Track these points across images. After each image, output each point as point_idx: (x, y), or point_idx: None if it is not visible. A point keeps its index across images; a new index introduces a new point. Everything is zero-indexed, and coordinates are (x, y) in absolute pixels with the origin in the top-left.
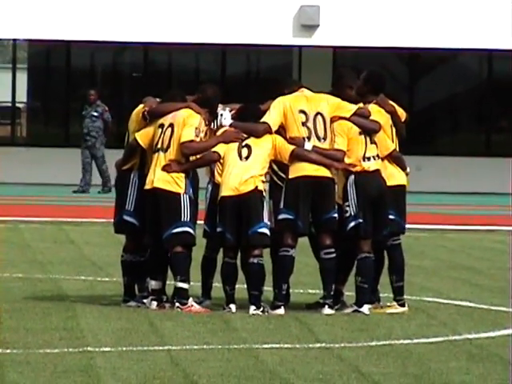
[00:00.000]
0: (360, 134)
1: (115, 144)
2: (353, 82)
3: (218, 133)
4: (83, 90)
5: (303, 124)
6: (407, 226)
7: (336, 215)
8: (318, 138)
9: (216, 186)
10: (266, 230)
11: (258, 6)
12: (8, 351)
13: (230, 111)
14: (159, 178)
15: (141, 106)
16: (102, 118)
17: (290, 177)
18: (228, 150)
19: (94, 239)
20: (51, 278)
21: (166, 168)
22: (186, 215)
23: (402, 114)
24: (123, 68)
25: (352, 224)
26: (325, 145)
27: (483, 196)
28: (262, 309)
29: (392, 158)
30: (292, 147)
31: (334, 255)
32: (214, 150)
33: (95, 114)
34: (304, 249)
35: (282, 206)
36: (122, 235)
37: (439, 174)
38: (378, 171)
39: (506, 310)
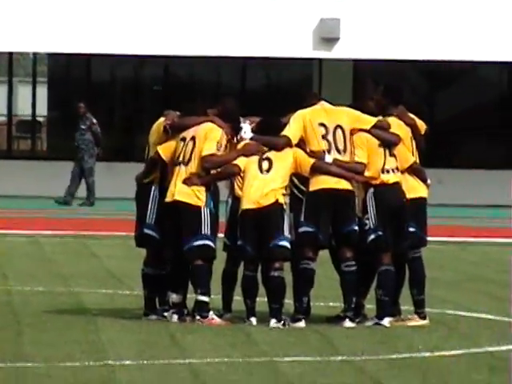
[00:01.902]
0: (379, 146)
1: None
2: (374, 94)
3: (239, 146)
4: (104, 103)
5: (323, 137)
6: (428, 238)
7: (356, 228)
8: (338, 151)
9: (236, 200)
10: (286, 243)
11: (278, 18)
12: (29, 364)
13: (250, 124)
14: (180, 191)
15: (161, 119)
16: (91, 131)
17: (310, 189)
18: (248, 164)
19: (114, 252)
20: (72, 291)
21: (187, 181)
22: (206, 228)
23: (421, 126)
24: (144, 81)
25: (372, 237)
26: (345, 157)
27: (504, 209)
28: (282, 322)
29: (412, 170)
30: (312, 160)
31: (354, 268)
32: (234, 163)
33: (83, 126)
34: (324, 262)
35: (302, 218)
36: (143, 249)
37: (460, 187)
38: (397, 184)
39: None
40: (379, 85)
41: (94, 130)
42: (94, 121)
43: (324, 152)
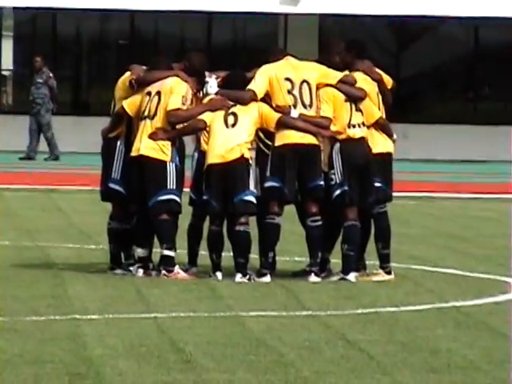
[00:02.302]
0: (345, 101)
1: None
2: (340, 50)
3: (205, 101)
4: (69, 57)
5: (289, 92)
6: (394, 193)
7: (322, 183)
8: (304, 106)
9: (202, 154)
10: (252, 198)
11: None
12: None
13: (216, 79)
14: (145, 146)
15: (127, 73)
16: (47, 85)
17: (276, 144)
18: (214, 118)
19: (80, 207)
20: (38, 245)
21: (153, 136)
22: (172, 183)
23: (388, 81)
24: (109, 35)
25: (338, 192)
26: (311, 112)
27: (470, 164)
28: (248, 276)
29: (378, 125)
30: (278, 115)
31: (320, 223)
32: (200, 117)
33: (40, 80)
34: (290, 216)
35: (268, 173)
36: (108, 203)
37: (426, 142)
38: (363, 139)
39: (493, 278)
40: (343, 41)
41: (51, 84)
42: (51, 75)
43: (290, 107)
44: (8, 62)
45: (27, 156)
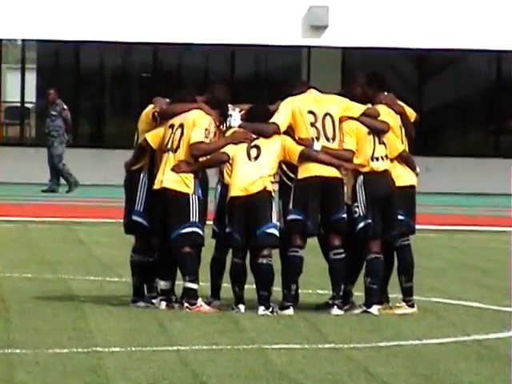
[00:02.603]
0: (369, 134)
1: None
2: (362, 83)
3: (228, 133)
4: (92, 90)
5: (312, 125)
6: (417, 226)
7: (345, 216)
8: (327, 139)
9: (225, 187)
10: (274, 231)
11: (266, 6)
12: (17, 351)
13: (240, 112)
14: (168, 179)
15: (150, 106)
16: (62, 117)
17: (299, 177)
18: (237, 151)
19: (103, 239)
20: (60, 277)
21: (176, 168)
22: (194, 216)
23: (411, 114)
24: (132, 68)
25: (361, 224)
26: (334, 145)
27: (492, 197)
28: (271, 309)
29: (401, 158)
30: (301, 148)
31: (343, 256)
32: (223, 150)
33: (54, 113)
34: (313, 249)
35: (291, 206)
36: (131, 235)
37: (449, 175)
38: (386, 171)
39: None
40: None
41: (65, 115)
42: (65, 107)
43: (313, 139)
44: (31, 95)
45: (50, 189)
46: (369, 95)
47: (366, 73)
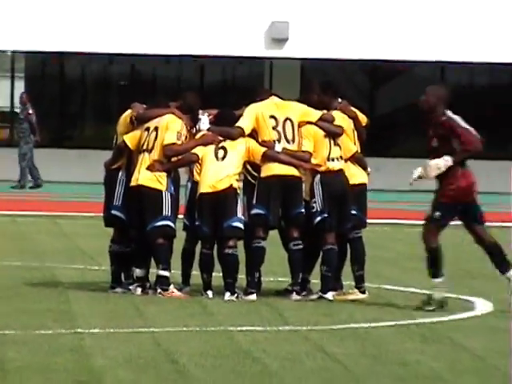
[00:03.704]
0: (325, 137)
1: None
2: (317, 91)
3: (197, 136)
4: (75, 97)
5: (273, 128)
6: (368, 220)
7: (303, 210)
8: (287, 141)
9: (195, 184)
10: (239, 224)
11: (233, 21)
12: (7, 332)
13: (208, 116)
14: (144, 177)
15: (128, 111)
16: (28, 120)
17: (261, 176)
18: (206, 152)
19: (84, 231)
20: (46, 266)
21: (150, 167)
22: (167, 210)
23: (363, 119)
24: (112, 77)
25: (318, 218)
26: (293, 147)
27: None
28: (236, 295)
29: (354, 159)
30: (264, 149)
31: (301, 246)
32: (193, 151)
33: (21, 116)
34: (274, 241)
35: (254, 202)
36: (110, 228)
37: (396, 174)
38: (341, 171)
39: (456, 297)
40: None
41: (30, 119)
42: (30, 111)
43: (274, 142)
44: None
45: (35, 185)
46: (324, 102)
47: (320, 82)
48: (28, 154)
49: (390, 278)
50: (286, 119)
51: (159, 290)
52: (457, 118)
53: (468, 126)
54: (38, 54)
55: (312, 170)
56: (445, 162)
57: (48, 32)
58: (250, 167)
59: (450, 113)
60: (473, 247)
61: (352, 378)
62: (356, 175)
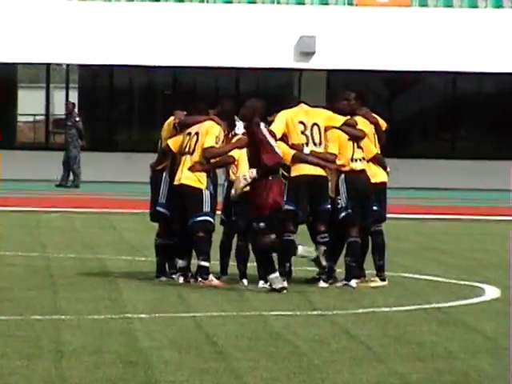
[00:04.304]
0: (349, 140)
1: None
2: (350, 98)
3: (233, 140)
4: (124, 105)
5: (302, 132)
6: (388, 215)
7: (329, 206)
8: (315, 144)
9: (231, 183)
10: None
11: (265, 36)
12: (63, 317)
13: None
14: (186, 176)
15: (171, 117)
16: (75, 126)
17: (291, 175)
18: (241, 154)
19: (133, 226)
20: (98, 257)
21: (191, 168)
22: (206, 207)
23: (382, 124)
24: (156, 86)
25: (343, 214)
26: (320, 149)
27: (448, 191)
28: (269, 283)
29: (375, 159)
30: (293, 151)
31: (327, 239)
32: (230, 154)
33: (69, 123)
34: (303, 234)
35: (285, 199)
36: (155, 223)
37: (413, 173)
38: (364, 171)
39: (469, 284)
40: (346, 91)
41: (77, 125)
42: (77, 118)
43: (303, 145)
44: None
45: (74, 184)
46: (354, 107)
47: (356, 91)
48: (77, 157)
49: (408, 267)
50: (314, 124)
51: (200, 279)
52: (266, 131)
53: (272, 142)
54: (90, 67)
55: (337, 169)
56: (249, 173)
57: (99, 46)
58: (281, 168)
59: (263, 125)
60: (484, 239)
61: (374, 357)
62: (377, 174)
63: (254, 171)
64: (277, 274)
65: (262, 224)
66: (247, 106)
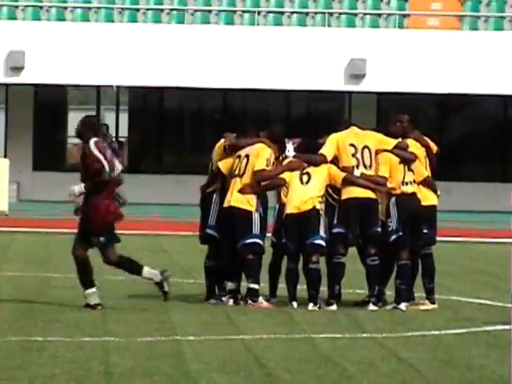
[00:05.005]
0: (399, 163)
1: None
2: (404, 120)
3: (284, 163)
4: (174, 128)
5: (353, 155)
6: (438, 238)
7: (379, 229)
8: (365, 167)
9: (282, 206)
10: (322, 242)
11: (316, 59)
12: (112, 339)
13: (293, 144)
14: (235, 199)
15: (222, 140)
16: (111, 147)
17: (342, 198)
18: (292, 177)
19: (182, 249)
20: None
21: (241, 190)
22: (256, 229)
23: (433, 147)
24: (206, 109)
25: (394, 236)
26: (371, 172)
27: (500, 214)
28: (318, 305)
29: (426, 182)
30: (344, 174)
31: (377, 262)
32: (280, 176)
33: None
34: (353, 257)
35: (335, 221)
36: (205, 245)
37: (465, 196)
38: (414, 194)
39: None
40: (400, 113)
41: (113, 146)
42: (113, 139)
43: (353, 167)
44: (124, 131)
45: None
46: (406, 131)
47: (408, 114)
48: None
49: (457, 290)
50: (364, 147)
51: (249, 301)
52: (95, 149)
53: (101, 158)
54: (140, 89)
55: (388, 192)
56: (78, 188)
57: (149, 69)
58: (332, 190)
59: (92, 142)
60: None
61: (424, 380)
62: (427, 197)
63: (81, 186)
64: (94, 289)
65: (102, 238)
66: (79, 123)
